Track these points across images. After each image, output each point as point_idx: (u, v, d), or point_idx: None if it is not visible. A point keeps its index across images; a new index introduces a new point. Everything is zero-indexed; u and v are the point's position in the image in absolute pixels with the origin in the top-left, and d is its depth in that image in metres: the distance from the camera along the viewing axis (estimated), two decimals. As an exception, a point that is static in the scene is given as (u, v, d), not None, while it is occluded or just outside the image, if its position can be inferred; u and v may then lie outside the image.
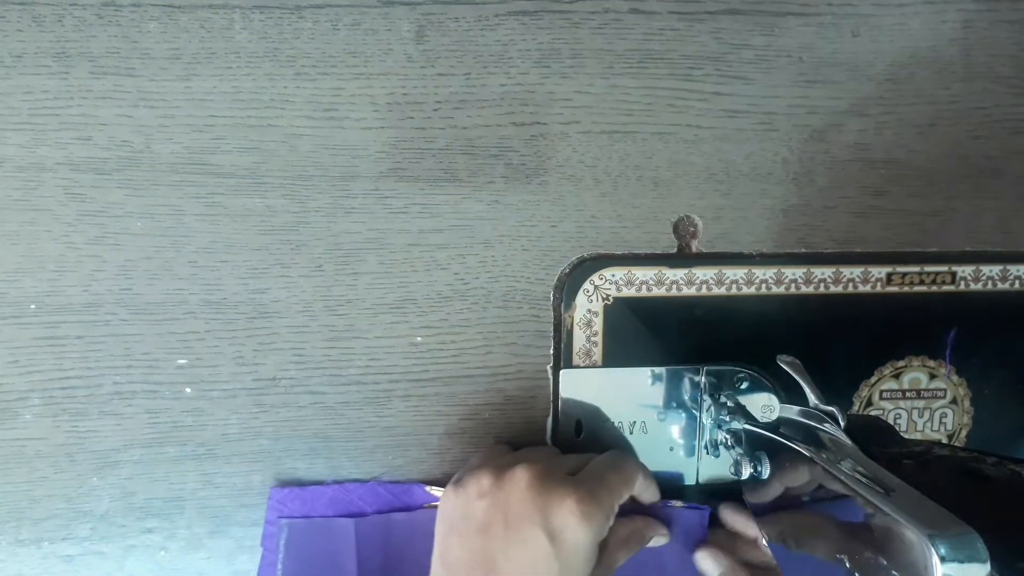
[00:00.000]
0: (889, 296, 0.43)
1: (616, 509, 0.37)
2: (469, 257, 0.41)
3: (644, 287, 0.42)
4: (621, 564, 0.38)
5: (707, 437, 0.42)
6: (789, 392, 0.41)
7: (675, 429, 0.43)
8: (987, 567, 0.24)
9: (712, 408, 0.41)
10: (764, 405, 0.41)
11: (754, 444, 0.39)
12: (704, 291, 0.42)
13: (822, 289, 0.43)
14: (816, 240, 0.43)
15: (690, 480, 0.44)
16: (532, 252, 0.41)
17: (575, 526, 0.34)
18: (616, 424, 0.43)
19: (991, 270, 0.44)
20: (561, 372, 0.42)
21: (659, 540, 0.41)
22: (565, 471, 0.37)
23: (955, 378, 0.45)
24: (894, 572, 0.27)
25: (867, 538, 0.28)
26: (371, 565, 0.41)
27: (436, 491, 0.42)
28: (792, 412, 0.39)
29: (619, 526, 0.38)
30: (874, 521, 0.28)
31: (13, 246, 0.39)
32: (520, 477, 0.35)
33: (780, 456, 0.37)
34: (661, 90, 0.40)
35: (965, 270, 0.43)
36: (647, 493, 0.40)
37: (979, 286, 0.44)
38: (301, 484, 0.42)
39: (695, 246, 0.42)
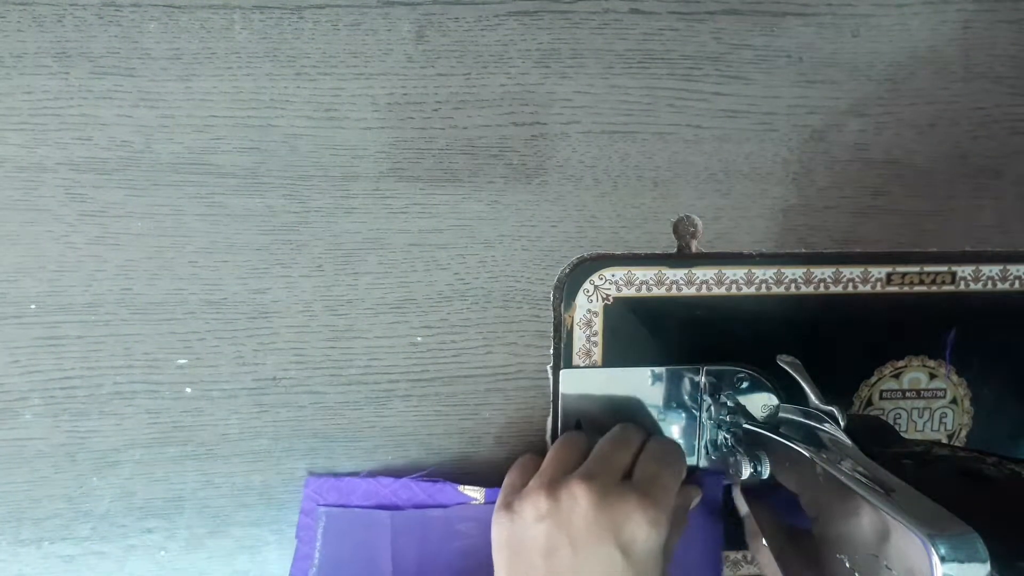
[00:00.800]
0: (889, 296, 0.43)
1: (673, 503, 0.37)
2: (469, 257, 0.41)
3: (644, 287, 0.42)
4: (675, 548, 0.38)
5: (707, 437, 0.42)
6: (789, 392, 0.41)
7: (675, 429, 0.43)
8: (987, 567, 0.24)
9: (712, 408, 0.41)
10: (764, 405, 0.41)
11: (754, 444, 0.39)
12: (704, 291, 0.42)
13: (822, 289, 0.43)
14: (816, 240, 0.43)
15: (690, 480, 0.44)
16: (532, 252, 0.41)
17: (645, 537, 0.34)
18: (616, 424, 0.43)
19: (991, 270, 0.44)
20: (561, 372, 0.42)
21: (695, 502, 0.41)
22: (619, 476, 0.36)
23: (955, 378, 0.45)
24: (894, 572, 0.27)
25: (867, 538, 0.28)
26: (406, 559, 0.41)
27: (469, 491, 0.42)
28: (792, 412, 0.39)
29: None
30: (874, 521, 0.28)
31: (13, 246, 0.39)
32: (579, 494, 0.35)
33: (780, 456, 0.37)
34: (661, 90, 0.40)
35: (965, 270, 0.44)
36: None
37: (979, 286, 0.44)
38: (336, 475, 0.42)
39: (695, 246, 0.42)
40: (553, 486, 0.36)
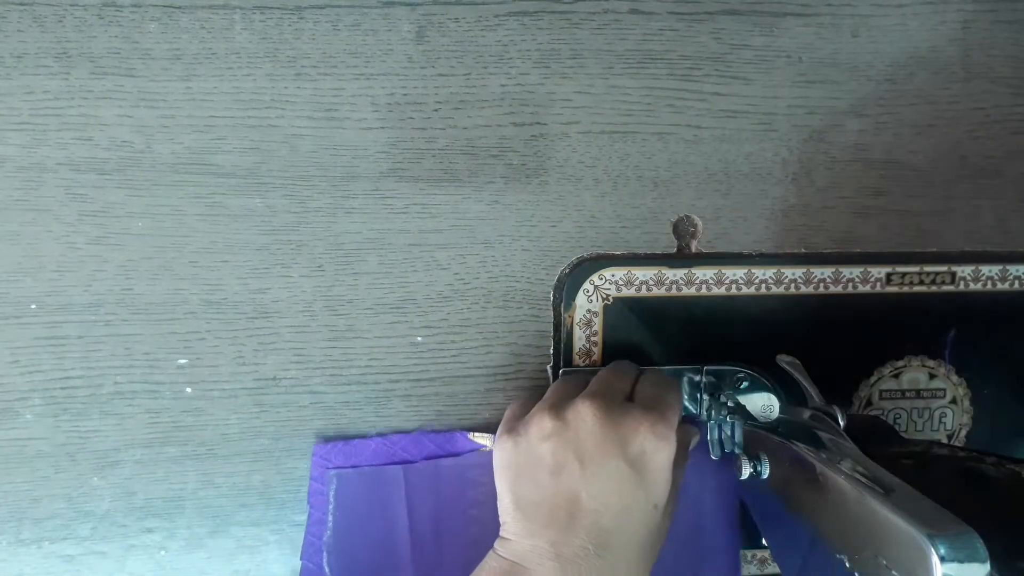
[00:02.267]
0: (889, 296, 0.43)
1: (678, 422, 0.37)
2: (469, 257, 0.41)
3: (644, 287, 0.42)
4: (681, 481, 0.38)
5: (707, 437, 0.42)
6: (789, 392, 0.41)
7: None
8: (987, 567, 0.24)
9: (712, 408, 0.41)
10: (764, 405, 0.41)
11: (754, 444, 0.39)
12: (704, 291, 0.42)
13: (822, 289, 0.43)
14: (816, 240, 0.43)
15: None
16: (532, 252, 0.41)
17: (653, 450, 0.34)
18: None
19: (990, 270, 0.44)
20: (561, 372, 0.42)
21: (695, 441, 0.41)
22: (622, 397, 0.37)
23: (955, 378, 0.45)
24: (894, 572, 0.27)
25: (867, 538, 0.29)
26: (422, 511, 0.41)
27: (479, 437, 0.42)
28: (792, 412, 0.39)
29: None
30: (874, 521, 0.28)
31: (14, 246, 0.39)
32: (585, 412, 0.35)
33: (780, 456, 0.37)
34: (661, 90, 0.40)
35: (964, 270, 0.44)
36: None
37: (978, 286, 0.44)
38: (344, 438, 0.42)
39: (695, 246, 0.42)
40: (558, 407, 0.36)
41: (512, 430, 0.37)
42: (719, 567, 0.42)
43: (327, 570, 0.41)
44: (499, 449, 0.37)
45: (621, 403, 0.36)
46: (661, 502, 0.35)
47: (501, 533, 0.36)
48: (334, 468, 0.41)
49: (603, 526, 0.33)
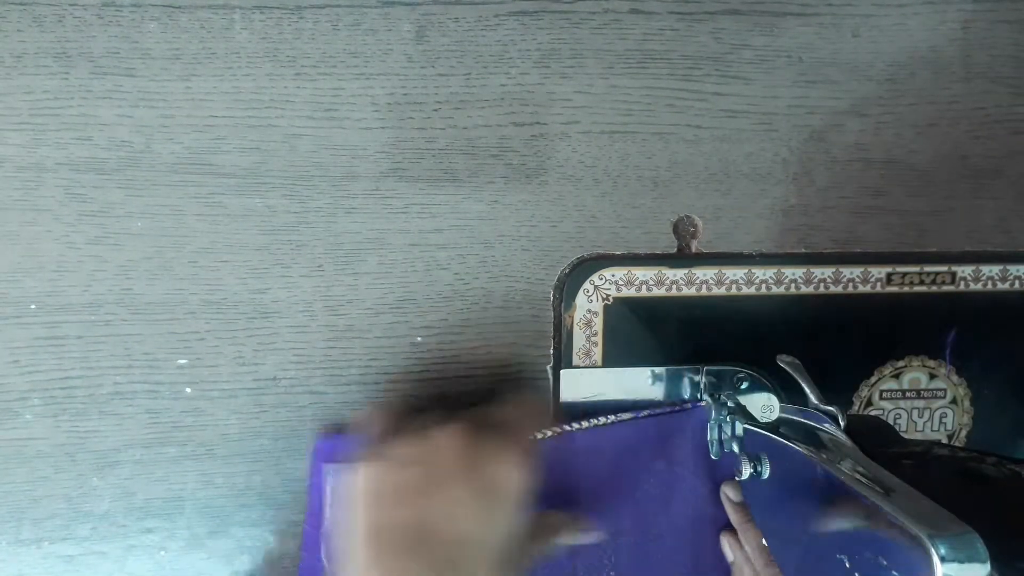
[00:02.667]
0: (889, 296, 0.43)
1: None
2: (469, 257, 0.41)
3: (644, 287, 0.42)
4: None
5: (707, 437, 0.42)
6: (789, 392, 0.41)
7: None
8: (987, 567, 0.24)
9: (712, 408, 0.41)
10: (764, 405, 0.41)
11: (754, 444, 0.39)
12: (704, 291, 0.42)
13: (822, 289, 0.43)
14: (816, 240, 0.43)
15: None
16: (532, 252, 0.41)
17: (509, 477, 0.34)
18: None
19: (991, 270, 0.44)
20: (561, 372, 0.42)
21: (560, 537, 0.40)
22: (485, 426, 0.36)
23: (955, 378, 0.45)
24: (894, 572, 0.27)
25: (867, 538, 0.28)
26: None
27: None
28: (792, 412, 0.39)
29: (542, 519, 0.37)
30: (874, 521, 0.28)
31: (13, 246, 0.39)
32: (448, 438, 0.34)
33: (780, 456, 0.37)
34: (661, 90, 0.40)
35: (965, 270, 0.43)
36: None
37: (979, 286, 0.44)
38: (344, 435, 0.42)
39: (695, 246, 0.42)
40: (420, 436, 0.35)
41: (378, 452, 0.35)
42: (714, 568, 0.42)
43: (325, 562, 0.41)
44: (361, 475, 0.35)
45: (485, 431, 0.35)
46: (517, 530, 0.35)
47: (346, 566, 0.34)
48: (332, 463, 0.41)
49: (455, 554, 0.33)
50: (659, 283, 0.42)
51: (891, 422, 0.45)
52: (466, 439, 0.35)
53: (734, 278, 0.42)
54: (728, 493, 0.42)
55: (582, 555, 0.42)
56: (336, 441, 0.41)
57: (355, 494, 0.35)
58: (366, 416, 0.39)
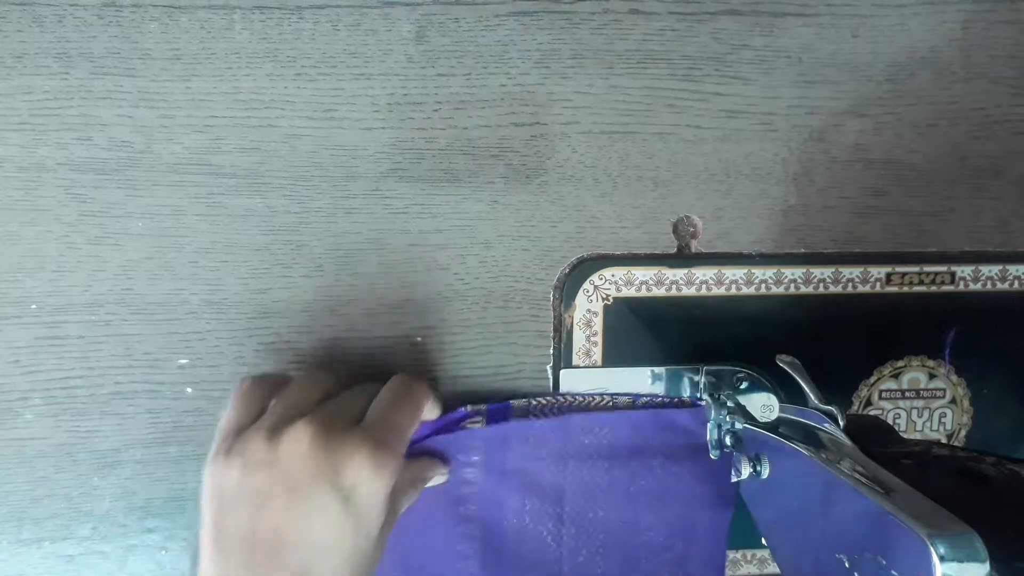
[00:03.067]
0: (888, 296, 0.43)
1: (406, 447, 0.35)
2: (469, 257, 0.41)
3: (644, 287, 0.42)
4: (404, 510, 0.36)
5: (707, 437, 0.42)
6: (789, 392, 0.41)
7: (675, 429, 0.43)
8: (986, 567, 0.24)
9: (712, 408, 0.41)
10: (764, 405, 0.41)
11: (754, 444, 0.39)
12: (704, 291, 0.42)
13: (822, 289, 0.43)
14: (816, 240, 0.43)
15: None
16: (532, 252, 0.41)
17: (368, 479, 0.32)
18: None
19: (990, 270, 0.44)
20: (561, 372, 0.42)
21: (438, 479, 0.39)
22: (348, 418, 0.34)
23: (954, 378, 0.45)
24: (894, 572, 0.27)
25: (866, 538, 0.29)
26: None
27: (468, 423, 0.41)
28: (792, 412, 0.39)
29: (402, 470, 0.34)
30: (873, 521, 0.28)
31: (14, 246, 0.39)
32: (300, 437, 0.32)
33: (780, 456, 0.37)
34: (661, 90, 0.40)
35: (964, 270, 0.44)
36: (432, 413, 0.39)
37: (978, 286, 0.44)
38: None
39: (695, 246, 0.42)
40: (274, 430, 0.32)
41: (228, 451, 0.33)
42: (705, 567, 0.42)
43: None
44: (211, 472, 0.33)
45: (344, 427, 0.33)
46: (374, 532, 0.33)
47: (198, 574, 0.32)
48: None
49: (307, 561, 0.31)
50: (659, 283, 0.42)
51: (890, 422, 0.45)
52: (324, 438, 0.32)
53: (734, 278, 0.42)
54: None
55: (567, 547, 0.41)
56: None
57: (207, 493, 0.33)
58: (243, 390, 0.36)
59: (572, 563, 0.42)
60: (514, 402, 0.42)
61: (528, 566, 0.41)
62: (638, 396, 0.42)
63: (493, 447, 0.40)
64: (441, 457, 0.40)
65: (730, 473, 0.40)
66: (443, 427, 0.40)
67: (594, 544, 0.42)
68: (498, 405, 0.41)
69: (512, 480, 0.41)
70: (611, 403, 0.42)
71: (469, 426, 0.41)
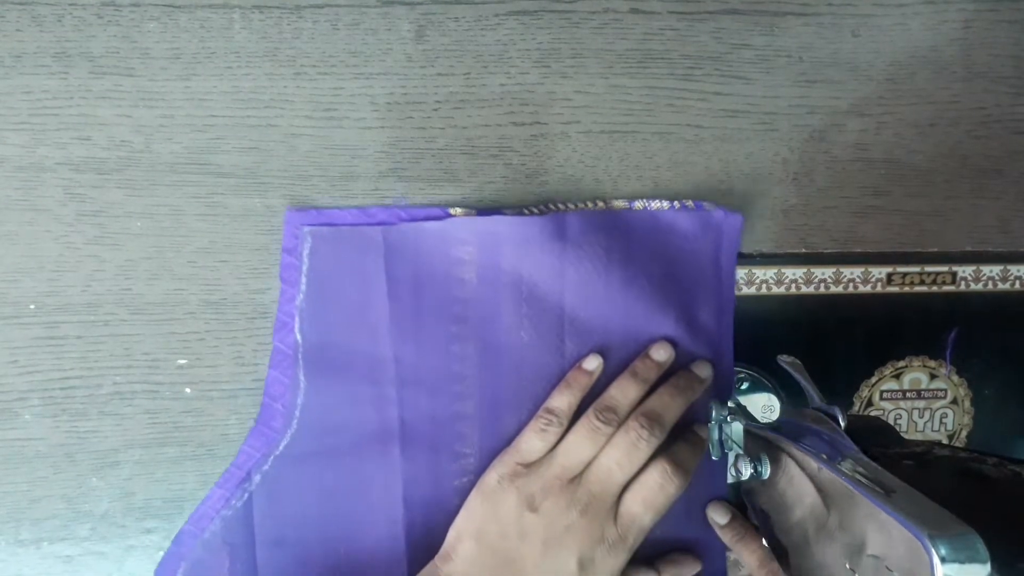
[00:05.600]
0: (889, 296, 0.43)
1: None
2: (469, 257, 0.41)
3: (644, 287, 0.42)
4: None
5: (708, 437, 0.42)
6: (789, 392, 0.41)
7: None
8: (987, 567, 0.24)
9: (713, 408, 0.41)
10: (764, 405, 0.41)
11: (754, 444, 0.39)
12: (704, 291, 0.42)
13: (822, 289, 0.43)
14: (816, 240, 0.43)
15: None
16: (532, 252, 0.41)
17: (603, 559, 0.36)
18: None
19: (991, 270, 0.44)
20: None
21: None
22: (617, 490, 0.37)
23: (955, 378, 0.45)
24: (894, 573, 0.27)
25: (867, 539, 0.28)
26: (400, 276, 0.39)
27: (461, 213, 0.40)
28: (792, 412, 0.39)
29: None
30: (874, 521, 0.28)
31: (13, 246, 0.39)
32: (580, 500, 0.37)
33: (780, 456, 0.37)
34: (661, 90, 0.40)
35: (965, 270, 0.43)
36: None
37: (979, 286, 0.44)
38: (318, 208, 0.40)
39: (695, 246, 0.42)
40: (575, 484, 0.37)
41: (521, 487, 0.37)
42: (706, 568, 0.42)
43: (299, 338, 0.39)
44: (495, 494, 0.38)
45: (615, 497, 0.37)
46: None
47: (448, 553, 0.37)
48: (309, 225, 0.39)
49: None
50: (659, 283, 0.42)
51: (892, 422, 0.45)
52: (597, 505, 0.37)
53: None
54: (715, 518, 0.41)
55: (569, 353, 0.40)
56: (310, 213, 0.39)
57: (480, 499, 0.38)
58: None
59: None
60: (506, 211, 0.40)
61: (528, 368, 0.40)
62: (633, 201, 0.41)
63: (486, 246, 0.39)
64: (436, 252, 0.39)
65: (729, 281, 0.40)
66: (424, 217, 0.39)
67: (595, 349, 0.40)
68: (489, 211, 0.40)
69: (507, 282, 0.39)
70: (606, 208, 0.40)
71: (457, 215, 0.39)
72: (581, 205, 0.40)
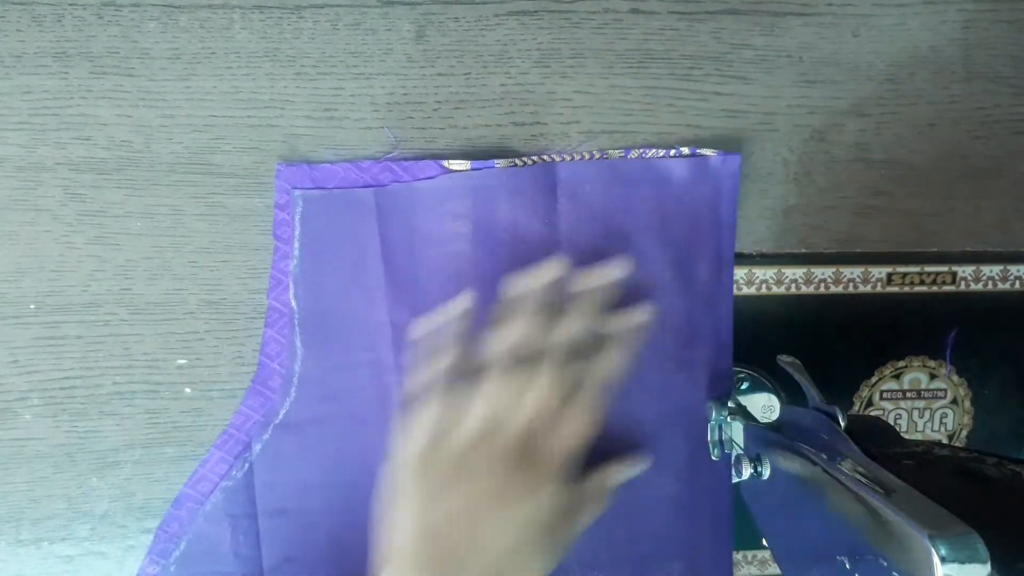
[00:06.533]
0: (889, 296, 0.43)
1: None
2: (469, 257, 0.41)
3: (644, 287, 0.42)
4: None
5: (708, 437, 0.42)
6: (789, 392, 0.41)
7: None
8: (987, 567, 0.24)
9: (713, 408, 0.41)
10: (764, 405, 0.41)
11: (754, 444, 0.39)
12: (704, 291, 0.42)
13: (822, 289, 0.43)
14: (816, 240, 0.43)
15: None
16: (532, 252, 0.41)
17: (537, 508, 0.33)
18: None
19: (991, 270, 0.44)
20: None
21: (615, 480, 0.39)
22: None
23: (955, 378, 0.45)
24: (894, 572, 0.27)
25: (867, 539, 0.28)
26: (394, 238, 0.39)
27: (455, 164, 0.39)
28: (792, 412, 0.39)
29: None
30: (874, 521, 0.28)
31: (13, 246, 0.39)
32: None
33: (780, 456, 0.37)
34: (661, 90, 0.40)
35: (965, 270, 0.43)
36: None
37: (979, 286, 0.44)
38: (309, 163, 0.39)
39: (695, 246, 0.42)
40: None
41: (440, 434, 0.34)
42: (710, 568, 0.42)
43: (294, 304, 0.39)
44: (418, 461, 0.34)
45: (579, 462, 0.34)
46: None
47: (387, 568, 0.32)
48: (300, 188, 0.39)
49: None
50: (659, 283, 0.42)
51: (891, 422, 0.45)
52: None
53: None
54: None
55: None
56: (302, 169, 0.39)
57: (406, 479, 0.33)
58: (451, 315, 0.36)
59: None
60: (498, 161, 0.39)
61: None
62: (628, 150, 0.40)
63: (480, 201, 0.39)
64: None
65: (729, 233, 0.39)
66: (417, 170, 0.39)
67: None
68: (482, 162, 0.39)
69: (502, 237, 0.39)
70: (601, 157, 0.40)
71: (454, 167, 0.39)
72: (577, 156, 0.40)
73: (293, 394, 0.40)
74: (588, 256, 0.39)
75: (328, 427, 0.40)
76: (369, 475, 0.39)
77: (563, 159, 0.40)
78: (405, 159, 0.39)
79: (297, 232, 0.39)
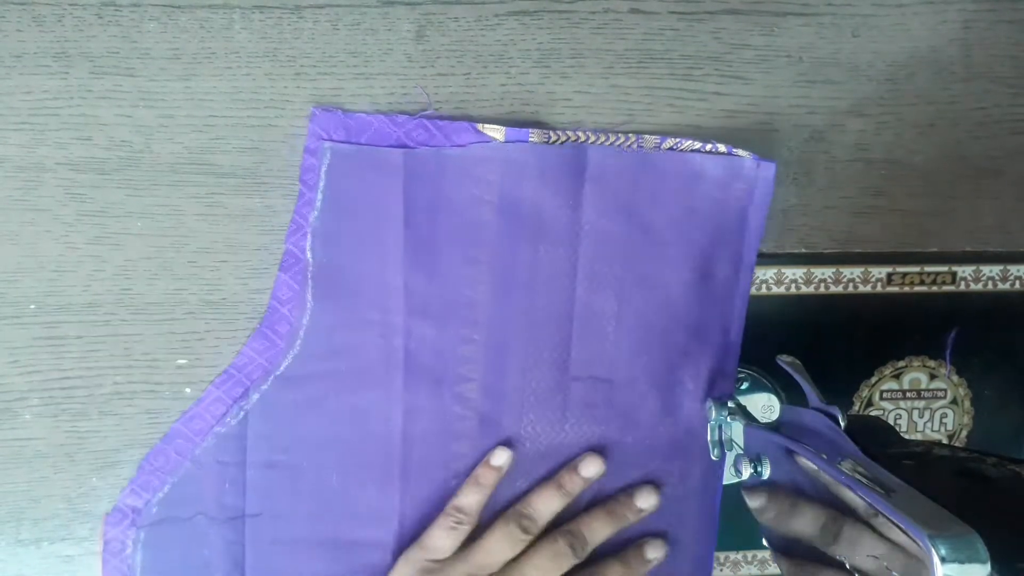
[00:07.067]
0: (889, 296, 0.43)
1: None
2: (469, 257, 0.41)
3: (644, 287, 0.42)
4: None
5: (707, 437, 0.42)
6: (789, 392, 0.41)
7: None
8: (987, 567, 0.24)
9: (712, 408, 0.41)
10: (764, 405, 0.41)
11: (754, 444, 0.39)
12: (704, 291, 0.42)
13: (822, 289, 0.43)
14: (816, 240, 0.43)
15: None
16: (532, 252, 0.41)
17: None
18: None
19: (991, 270, 0.44)
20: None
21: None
22: None
23: (955, 378, 0.45)
24: (894, 572, 0.27)
25: (867, 539, 0.28)
26: (418, 202, 0.39)
27: (489, 130, 0.39)
28: (792, 412, 0.39)
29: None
30: (874, 521, 0.28)
31: (13, 246, 0.39)
32: None
33: (780, 456, 0.37)
34: (661, 90, 0.40)
35: (965, 270, 0.43)
36: None
37: (979, 286, 0.44)
38: (345, 111, 0.39)
39: (695, 246, 0.42)
40: None
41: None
42: (694, 565, 0.42)
43: (309, 257, 0.39)
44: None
45: None
46: None
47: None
48: (330, 140, 0.38)
49: None
50: (659, 283, 0.42)
51: (891, 422, 0.45)
52: None
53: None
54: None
55: (580, 300, 0.39)
56: (337, 116, 0.38)
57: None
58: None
59: (584, 312, 0.40)
60: (532, 132, 0.39)
61: (538, 311, 0.39)
62: (664, 138, 0.40)
63: (508, 175, 0.38)
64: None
65: (754, 239, 0.39)
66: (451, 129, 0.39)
67: (608, 294, 0.40)
68: (517, 130, 0.39)
69: (527, 215, 0.39)
70: (635, 144, 0.39)
71: (488, 132, 0.39)
72: (613, 137, 0.39)
73: (298, 347, 0.39)
74: (608, 243, 0.39)
75: (329, 384, 0.39)
76: (364, 439, 0.39)
77: (597, 138, 0.39)
78: (440, 118, 0.39)
79: (322, 184, 0.38)
